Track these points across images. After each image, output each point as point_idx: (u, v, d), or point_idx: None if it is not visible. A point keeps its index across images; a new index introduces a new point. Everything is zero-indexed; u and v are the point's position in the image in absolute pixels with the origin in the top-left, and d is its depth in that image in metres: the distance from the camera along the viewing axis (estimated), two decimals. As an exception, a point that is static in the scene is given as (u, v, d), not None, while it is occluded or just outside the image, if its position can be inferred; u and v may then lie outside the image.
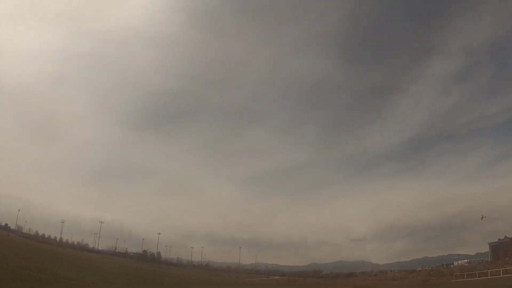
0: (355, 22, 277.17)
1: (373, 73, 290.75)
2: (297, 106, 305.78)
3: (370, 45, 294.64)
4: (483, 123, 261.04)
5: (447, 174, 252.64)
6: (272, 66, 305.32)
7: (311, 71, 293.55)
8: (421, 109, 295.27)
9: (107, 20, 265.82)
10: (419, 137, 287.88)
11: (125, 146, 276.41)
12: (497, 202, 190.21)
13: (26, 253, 56.91)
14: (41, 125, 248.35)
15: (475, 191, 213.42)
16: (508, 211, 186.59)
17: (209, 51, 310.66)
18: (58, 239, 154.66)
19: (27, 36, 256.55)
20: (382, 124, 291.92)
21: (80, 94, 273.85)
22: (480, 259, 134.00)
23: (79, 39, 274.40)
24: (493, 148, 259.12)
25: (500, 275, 79.75)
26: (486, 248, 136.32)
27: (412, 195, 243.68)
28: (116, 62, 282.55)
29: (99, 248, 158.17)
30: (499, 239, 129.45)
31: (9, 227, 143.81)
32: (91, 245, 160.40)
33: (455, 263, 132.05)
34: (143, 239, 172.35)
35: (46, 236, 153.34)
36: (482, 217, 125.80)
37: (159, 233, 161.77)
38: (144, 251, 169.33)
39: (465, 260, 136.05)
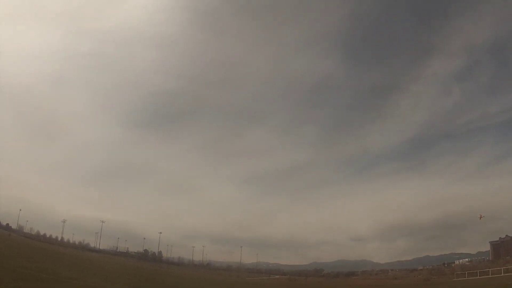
0: (355, 22, 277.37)
1: (373, 73, 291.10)
2: (297, 106, 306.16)
3: (371, 45, 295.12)
4: (484, 122, 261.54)
5: (447, 174, 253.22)
6: (272, 66, 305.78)
7: (311, 71, 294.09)
8: (422, 109, 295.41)
9: (107, 20, 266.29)
10: (420, 137, 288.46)
11: (125, 146, 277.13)
12: (498, 201, 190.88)
13: (27, 252, 57.01)
14: (41, 125, 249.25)
15: (476, 190, 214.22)
16: (508, 210, 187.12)
17: (209, 51, 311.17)
18: (59, 239, 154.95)
19: (27, 36, 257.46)
20: (383, 124, 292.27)
21: (80, 94, 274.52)
22: (481, 258, 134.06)
23: (79, 39, 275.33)
24: (493, 147, 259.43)
25: (501, 274, 79.74)
26: (487, 247, 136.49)
27: (413, 194, 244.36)
28: (116, 62, 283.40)
29: (100, 248, 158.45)
30: (500, 238, 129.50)
31: (10, 227, 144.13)
32: (92, 245, 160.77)
33: (456, 262, 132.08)
34: (144, 238, 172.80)
35: (48, 236, 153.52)
36: (481, 217, 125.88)
37: (160, 233, 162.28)
38: (145, 251, 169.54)
39: (466, 259, 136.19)
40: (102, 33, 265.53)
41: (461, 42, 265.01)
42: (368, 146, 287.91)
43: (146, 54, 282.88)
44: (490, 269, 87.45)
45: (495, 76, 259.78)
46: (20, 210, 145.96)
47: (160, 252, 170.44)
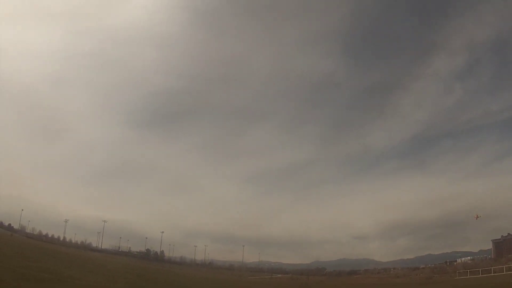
0: (356, 21, 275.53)
1: (375, 71, 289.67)
2: (298, 105, 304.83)
3: (372, 43, 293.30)
4: (485, 121, 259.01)
5: (449, 172, 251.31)
6: (273, 65, 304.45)
7: (312, 69, 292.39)
8: (423, 107, 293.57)
9: (108, 19, 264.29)
10: (421, 135, 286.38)
11: (127, 145, 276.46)
12: (500, 199, 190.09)
13: (29, 252, 57.16)
14: (42, 125, 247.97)
15: (478, 188, 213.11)
16: (510, 208, 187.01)
17: (210, 50, 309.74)
18: (61, 238, 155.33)
19: (27, 36, 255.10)
20: (384, 123, 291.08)
21: (81, 93, 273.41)
22: (483, 256, 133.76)
23: (80, 38, 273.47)
24: (495, 145, 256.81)
25: (503, 272, 79.65)
26: (489, 245, 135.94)
27: (415, 193, 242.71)
28: (117, 61, 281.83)
29: (102, 248, 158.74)
30: (502, 236, 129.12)
31: (13, 227, 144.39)
32: (94, 245, 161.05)
33: (458, 261, 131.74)
34: (146, 238, 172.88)
35: (50, 236, 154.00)
36: (477, 217, 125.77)
37: (163, 232, 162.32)
38: (148, 250, 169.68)
39: (468, 258, 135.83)
40: (102, 32, 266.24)
41: (463, 40, 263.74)
42: (370, 145, 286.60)
43: (146, 54, 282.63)
44: (492, 268, 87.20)
45: (496, 75, 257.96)
46: (22, 210, 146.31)
47: (162, 252, 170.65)
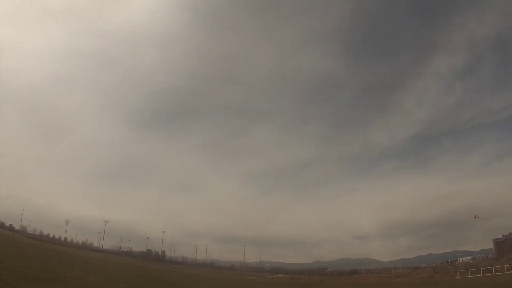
0: (358, 19, 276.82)
1: (376, 70, 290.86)
2: (300, 104, 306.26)
3: (373, 42, 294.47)
4: (487, 119, 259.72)
5: (450, 171, 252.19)
6: (274, 63, 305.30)
7: (314, 68, 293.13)
8: (424, 106, 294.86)
9: (110, 19, 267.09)
10: (422, 134, 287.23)
11: (128, 145, 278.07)
12: (501, 198, 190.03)
13: (31, 253, 57.20)
14: (44, 124, 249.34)
15: (479, 187, 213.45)
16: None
17: (211, 49, 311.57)
18: (62, 239, 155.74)
19: (30, 36, 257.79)
20: (385, 122, 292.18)
21: (82, 93, 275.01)
22: (484, 255, 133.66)
23: (82, 38, 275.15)
24: (496, 144, 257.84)
25: (504, 271, 79.54)
26: (490, 245, 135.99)
27: (416, 192, 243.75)
28: (119, 61, 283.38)
29: (103, 248, 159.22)
30: (503, 235, 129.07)
31: (14, 227, 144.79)
32: (95, 245, 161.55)
33: (460, 260, 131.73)
34: (147, 238, 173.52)
35: (51, 236, 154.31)
36: (475, 217, 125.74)
37: (164, 232, 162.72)
38: (149, 250, 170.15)
39: (470, 257, 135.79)
40: (104, 32, 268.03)
41: (463, 39, 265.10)
42: (371, 144, 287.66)
43: (148, 53, 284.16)
44: (493, 267, 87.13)
45: (497, 74, 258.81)
46: (24, 210, 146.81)
47: (163, 252, 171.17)
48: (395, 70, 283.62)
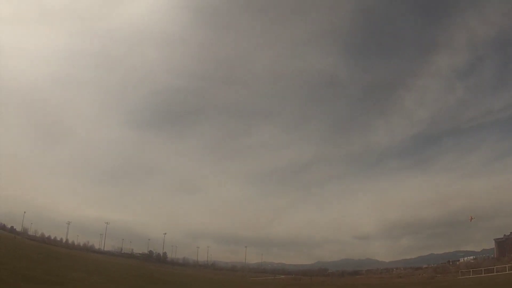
0: (359, 19, 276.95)
1: (377, 70, 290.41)
2: (301, 103, 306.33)
3: (374, 42, 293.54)
4: (488, 118, 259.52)
5: (452, 170, 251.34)
6: (275, 64, 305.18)
7: (315, 68, 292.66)
8: (426, 105, 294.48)
9: (112, 19, 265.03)
10: (424, 134, 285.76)
11: (129, 145, 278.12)
12: (502, 198, 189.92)
13: (32, 254, 57.30)
14: (45, 126, 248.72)
15: (481, 187, 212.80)
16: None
17: (213, 49, 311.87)
18: (64, 240, 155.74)
19: (30, 36, 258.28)
20: (386, 121, 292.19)
21: (84, 93, 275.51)
22: (486, 255, 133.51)
23: (82, 38, 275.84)
24: (497, 143, 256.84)
25: (506, 271, 79.45)
26: (491, 245, 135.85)
27: (417, 191, 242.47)
28: (122, 61, 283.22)
29: (105, 249, 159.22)
30: (504, 235, 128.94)
31: (15, 229, 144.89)
32: (97, 246, 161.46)
33: (461, 260, 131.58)
34: (149, 239, 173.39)
35: (52, 238, 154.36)
36: (471, 218, 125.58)
37: (165, 233, 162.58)
38: (150, 252, 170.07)
39: (471, 257, 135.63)
40: (104, 32, 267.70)
41: (465, 38, 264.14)
42: (371, 144, 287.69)
43: (148, 53, 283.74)
44: (495, 267, 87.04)
45: (498, 73, 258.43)
46: (25, 212, 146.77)
47: (165, 253, 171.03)
48: (395, 69, 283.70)
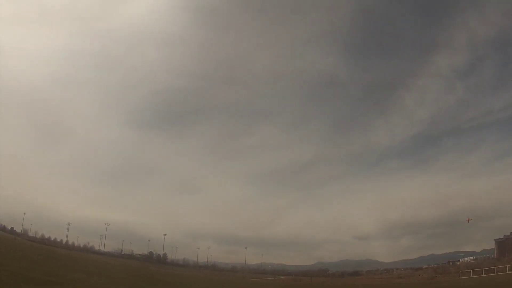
0: (359, 19, 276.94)
1: (377, 70, 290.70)
2: (301, 103, 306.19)
3: (374, 41, 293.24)
4: (488, 118, 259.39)
5: (452, 170, 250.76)
6: (275, 64, 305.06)
7: (315, 68, 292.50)
8: (426, 105, 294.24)
9: (110, 18, 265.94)
10: (424, 134, 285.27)
11: (129, 145, 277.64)
12: (503, 198, 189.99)
13: (32, 255, 57.32)
14: (45, 125, 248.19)
15: (481, 187, 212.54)
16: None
17: (213, 49, 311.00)
18: (64, 241, 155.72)
19: (30, 36, 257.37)
20: (386, 121, 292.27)
21: (84, 93, 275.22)
22: (486, 255, 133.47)
23: (82, 38, 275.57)
24: (498, 143, 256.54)
25: (506, 271, 79.43)
26: (492, 245, 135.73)
27: (417, 192, 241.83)
28: (122, 61, 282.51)
29: (105, 250, 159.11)
30: (504, 235, 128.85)
31: (15, 230, 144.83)
32: (97, 247, 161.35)
33: (461, 260, 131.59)
34: (149, 240, 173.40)
35: (52, 239, 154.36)
36: (468, 220, 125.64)
37: (165, 234, 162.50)
38: (150, 253, 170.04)
39: (471, 257, 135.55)
40: (104, 32, 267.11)
41: (465, 38, 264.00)
42: (372, 144, 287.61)
43: (151, 53, 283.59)
44: (495, 267, 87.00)
45: (498, 73, 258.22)
46: (25, 214, 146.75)
47: (165, 254, 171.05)
48: (395, 69, 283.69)
